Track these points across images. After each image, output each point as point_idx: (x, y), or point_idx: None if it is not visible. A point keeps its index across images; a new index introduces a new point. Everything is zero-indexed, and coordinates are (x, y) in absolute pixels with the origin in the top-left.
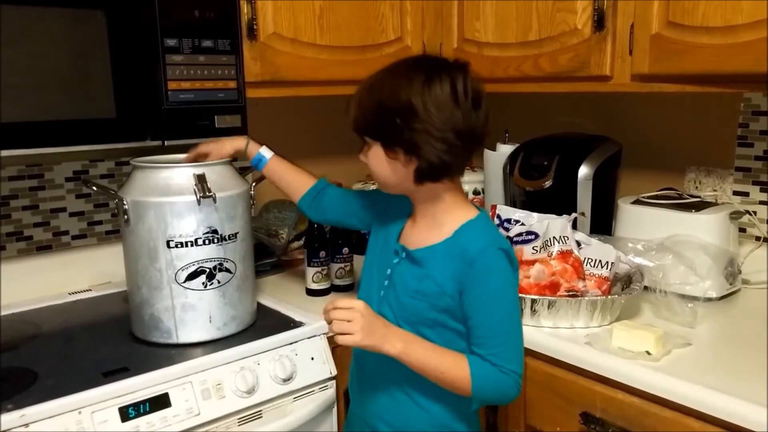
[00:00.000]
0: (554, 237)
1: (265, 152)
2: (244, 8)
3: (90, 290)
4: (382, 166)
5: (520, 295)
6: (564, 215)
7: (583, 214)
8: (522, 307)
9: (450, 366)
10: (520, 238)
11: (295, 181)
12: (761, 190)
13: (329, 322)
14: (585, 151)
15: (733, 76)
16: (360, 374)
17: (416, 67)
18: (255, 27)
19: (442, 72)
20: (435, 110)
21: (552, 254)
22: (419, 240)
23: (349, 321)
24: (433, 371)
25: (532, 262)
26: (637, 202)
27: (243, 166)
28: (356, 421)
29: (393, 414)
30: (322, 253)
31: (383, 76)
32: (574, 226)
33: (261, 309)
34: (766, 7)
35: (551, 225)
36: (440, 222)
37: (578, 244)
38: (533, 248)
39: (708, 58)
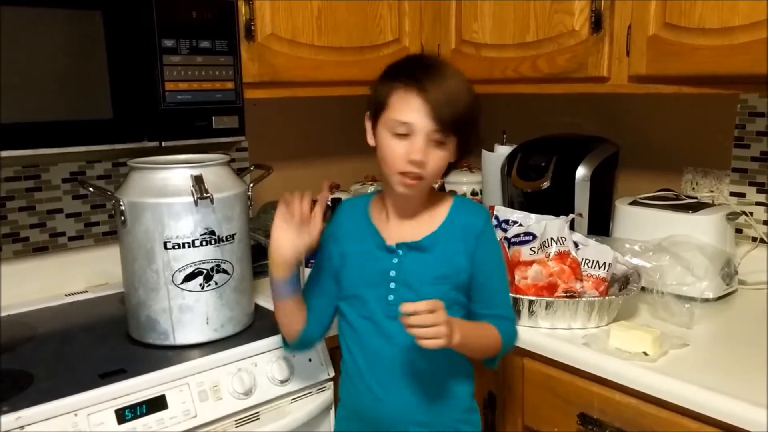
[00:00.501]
0: (552, 238)
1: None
2: (242, 9)
3: (87, 292)
4: (445, 163)
5: (518, 295)
6: (561, 216)
7: (580, 215)
8: (519, 308)
9: (487, 334)
10: (517, 239)
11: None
12: (758, 191)
13: (409, 326)
14: (583, 152)
15: (730, 77)
16: (377, 376)
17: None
18: (253, 28)
19: None
20: None
21: (549, 255)
22: (415, 231)
23: (433, 325)
24: (478, 345)
25: (530, 263)
26: (634, 203)
27: (241, 167)
28: (369, 424)
29: (424, 411)
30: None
31: (457, 74)
32: (572, 227)
33: (258, 310)
34: (763, 9)
35: (549, 226)
36: (428, 209)
37: (576, 245)
38: (531, 249)
39: (705, 59)
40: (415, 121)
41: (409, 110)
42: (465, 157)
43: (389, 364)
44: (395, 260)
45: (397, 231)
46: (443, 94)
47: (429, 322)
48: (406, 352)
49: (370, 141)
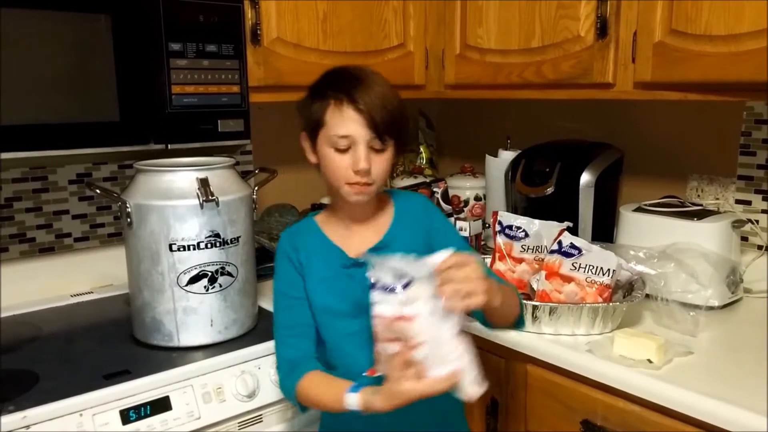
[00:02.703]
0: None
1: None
2: (248, 13)
3: (92, 292)
4: (389, 166)
5: (523, 301)
6: (554, 222)
7: (569, 226)
8: (522, 314)
9: (511, 288)
10: (511, 232)
11: None
12: (763, 199)
13: (444, 284)
14: (587, 157)
15: (735, 84)
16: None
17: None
18: (259, 32)
19: None
20: None
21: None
22: (374, 236)
23: (469, 280)
24: (509, 303)
25: (519, 260)
26: (639, 209)
27: (246, 171)
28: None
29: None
30: None
31: (381, 79)
32: (575, 234)
33: (262, 313)
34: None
35: (542, 229)
36: (379, 210)
37: (579, 250)
38: (522, 246)
39: (711, 66)
40: (354, 132)
41: (346, 123)
42: (401, 155)
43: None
44: (367, 269)
45: (359, 241)
46: (375, 102)
47: (464, 276)
48: None
49: (311, 159)
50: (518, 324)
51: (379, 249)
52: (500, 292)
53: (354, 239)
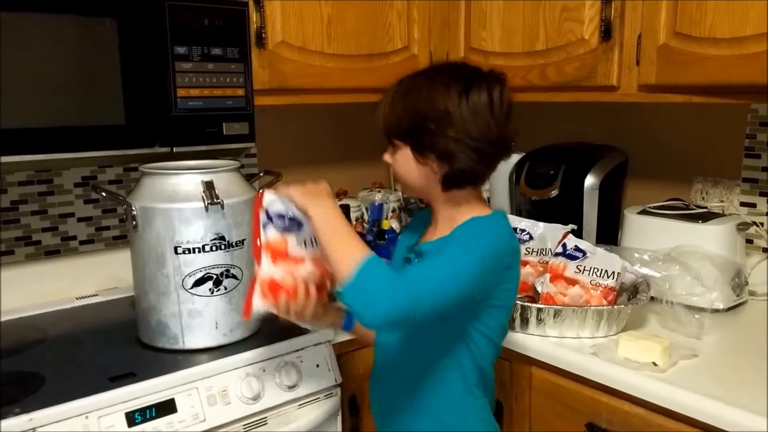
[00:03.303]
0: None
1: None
2: (253, 17)
3: (97, 295)
4: (410, 169)
5: (526, 304)
6: (558, 224)
7: (573, 229)
8: (527, 316)
9: (349, 244)
10: (516, 235)
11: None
12: None
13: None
14: (591, 160)
15: (740, 87)
16: (372, 376)
17: (455, 74)
18: (263, 35)
19: (481, 82)
20: (471, 119)
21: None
22: (427, 237)
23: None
24: (331, 239)
25: (524, 263)
26: (643, 212)
27: (250, 173)
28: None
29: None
30: None
31: (420, 80)
32: (579, 236)
33: (267, 315)
34: None
35: (547, 232)
36: (447, 219)
37: (584, 253)
38: (526, 249)
39: (715, 69)
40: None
41: None
42: (428, 157)
43: (379, 367)
44: (412, 262)
45: (427, 238)
46: (382, 105)
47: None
48: (391, 354)
49: None
50: (342, 295)
51: (417, 253)
52: (324, 218)
53: (425, 237)
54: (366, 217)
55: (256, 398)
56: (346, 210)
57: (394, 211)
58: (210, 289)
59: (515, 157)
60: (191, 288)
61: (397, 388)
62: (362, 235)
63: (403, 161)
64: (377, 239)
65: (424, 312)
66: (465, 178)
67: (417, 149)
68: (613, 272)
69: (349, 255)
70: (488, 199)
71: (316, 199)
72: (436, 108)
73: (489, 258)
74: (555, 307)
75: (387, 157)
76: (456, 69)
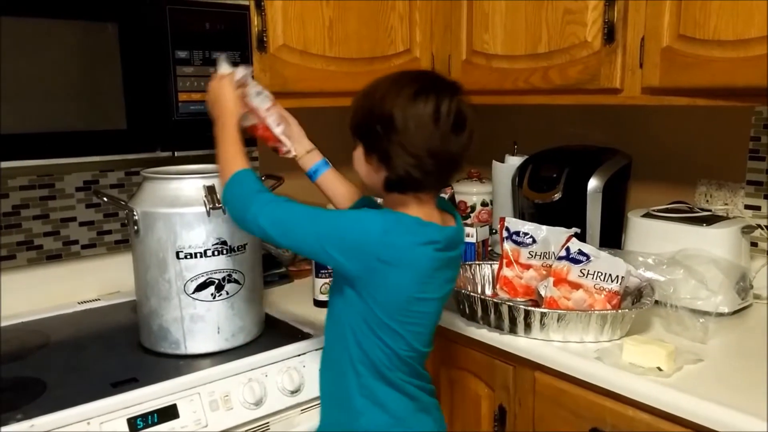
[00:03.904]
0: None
1: (324, 164)
2: (255, 20)
3: (99, 300)
4: (361, 167)
5: (530, 308)
6: (562, 228)
7: (577, 232)
8: (530, 321)
9: (230, 157)
10: (518, 238)
11: (341, 193)
12: None
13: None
14: (595, 163)
15: (744, 89)
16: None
17: (410, 80)
18: (265, 39)
19: (431, 91)
20: (413, 126)
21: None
22: None
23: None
24: (219, 154)
25: (527, 267)
26: (647, 215)
27: None
28: None
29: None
30: None
31: (381, 82)
32: (583, 240)
33: (269, 320)
34: None
35: (550, 236)
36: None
37: (587, 257)
38: (530, 252)
39: (719, 71)
40: None
41: None
42: (375, 156)
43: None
44: None
45: None
46: (355, 96)
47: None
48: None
49: None
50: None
51: None
52: (222, 130)
53: None
54: None
55: (258, 403)
56: None
57: None
58: (212, 294)
59: (518, 160)
60: (193, 293)
61: (321, 369)
62: None
63: (357, 159)
64: None
65: (259, 233)
66: (402, 184)
67: (366, 149)
68: (617, 276)
69: (230, 165)
70: (490, 202)
71: (221, 109)
72: (384, 111)
73: (348, 237)
74: (559, 311)
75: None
76: (417, 76)
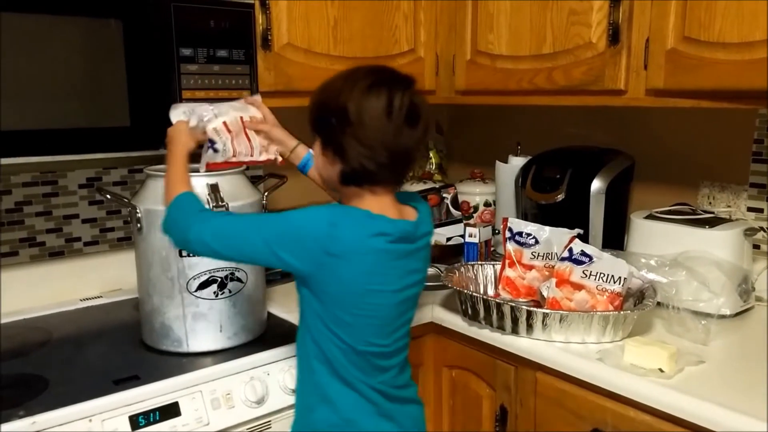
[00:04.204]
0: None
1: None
2: (259, 19)
3: (101, 297)
4: (318, 161)
5: (533, 309)
6: (565, 229)
7: (580, 233)
8: (532, 322)
9: (171, 184)
10: (521, 239)
11: None
12: None
13: None
14: (598, 164)
15: (749, 92)
16: None
17: (364, 75)
18: (269, 37)
19: (383, 84)
20: (367, 119)
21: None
22: None
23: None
24: (165, 181)
25: (529, 267)
26: (650, 216)
27: (255, 175)
28: None
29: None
30: None
31: (337, 77)
32: (585, 241)
33: (271, 319)
34: None
35: (553, 236)
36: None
37: (590, 258)
38: (532, 253)
39: (724, 73)
40: None
41: None
42: (330, 150)
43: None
44: None
45: None
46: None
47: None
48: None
49: None
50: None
51: None
52: (171, 157)
53: None
54: None
55: (260, 402)
56: None
57: None
58: (214, 292)
59: (521, 161)
60: (196, 291)
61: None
62: None
63: (315, 153)
64: None
65: (204, 250)
66: (357, 177)
67: (322, 142)
68: (620, 277)
69: (170, 192)
70: (493, 202)
71: (172, 143)
72: (339, 105)
73: (295, 236)
74: (561, 312)
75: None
76: (371, 71)
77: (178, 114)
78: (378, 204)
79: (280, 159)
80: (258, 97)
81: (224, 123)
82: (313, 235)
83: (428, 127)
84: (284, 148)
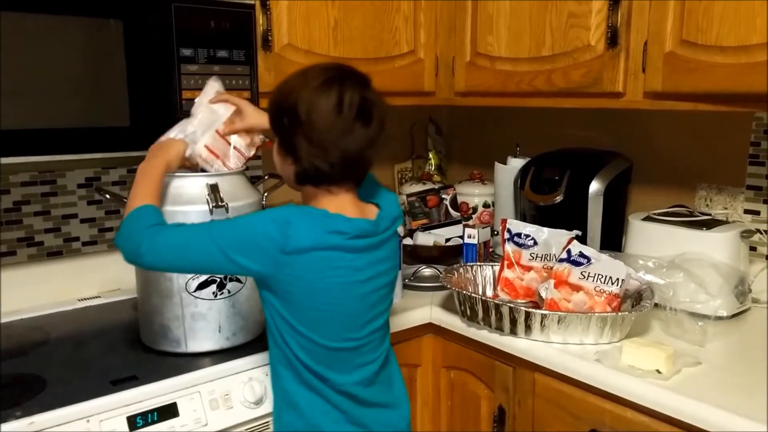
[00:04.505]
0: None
1: None
2: (260, 19)
3: (99, 297)
4: (276, 160)
5: (531, 310)
6: (563, 230)
7: (578, 235)
8: (531, 322)
9: (136, 195)
10: (520, 240)
11: None
12: None
13: None
14: (596, 166)
15: (746, 95)
16: None
17: (317, 73)
18: (270, 38)
19: (335, 82)
20: (316, 118)
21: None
22: None
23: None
24: (134, 187)
25: (528, 269)
26: (647, 218)
27: (255, 176)
28: None
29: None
30: None
31: (293, 74)
32: (584, 242)
33: None
34: None
35: (551, 238)
36: (299, 201)
37: (588, 259)
38: (531, 254)
39: (721, 77)
40: None
41: None
42: (283, 150)
43: None
44: None
45: None
46: None
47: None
48: None
49: None
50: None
51: None
52: (142, 169)
53: None
54: None
55: (258, 402)
56: None
57: None
58: (213, 293)
59: (520, 162)
60: (194, 291)
61: None
62: None
63: (274, 152)
64: None
65: (157, 264)
66: (310, 177)
67: (278, 142)
68: (618, 279)
69: (134, 202)
70: (492, 203)
71: (154, 154)
72: (290, 103)
73: (249, 238)
74: (559, 313)
75: None
76: (325, 69)
77: (174, 133)
78: (336, 203)
79: (267, 140)
80: (218, 86)
81: (206, 147)
82: (267, 235)
83: (383, 126)
84: (266, 129)
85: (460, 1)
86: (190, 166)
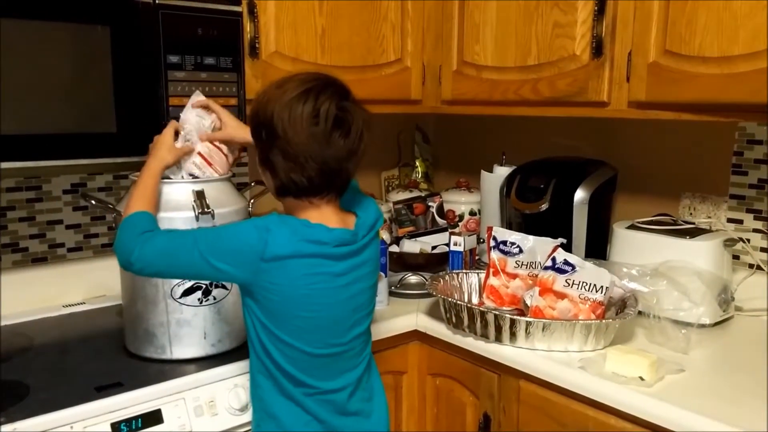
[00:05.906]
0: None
1: None
2: (247, 27)
3: (84, 303)
4: (260, 172)
5: (516, 317)
6: (548, 238)
7: (563, 243)
8: (515, 330)
9: (133, 197)
10: (505, 248)
11: None
12: (755, 218)
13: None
14: (581, 175)
15: (729, 105)
16: None
17: (295, 84)
18: (257, 45)
19: (310, 93)
20: (291, 133)
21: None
22: None
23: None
24: (131, 193)
25: (513, 276)
26: (632, 227)
27: (241, 182)
28: None
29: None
30: None
31: (271, 86)
32: (569, 250)
33: None
34: (763, 39)
35: (536, 246)
36: (282, 210)
37: (573, 267)
38: (516, 262)
39: (704, 87)
40: None
41: None
42: (261, 160)
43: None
44: None
45: None
46: None
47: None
48: None
49: None
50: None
51: None
52: (142, 174)
53: None
54: None
55: (243, 409)
56: None
57: (384, 222)
58: (199, 299)
59: (506, 171)
60: (180, 297)
61: None
62: None
63: (257, 164)
64: None
65: (147, 271)
66: (288, 189)
67: (258, 155)
68: (602, 286)
69: (130, 207)
70: (478, 211)
71: (151, 155)
72: (267, 115)
73: (230, 245)
74: (544, 320)
75: None
76: (303, 79)
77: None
78: (317, 215)
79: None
80: (200, 97)
81: (200, 154)
82: (247, 242)
83: (363, 136)
84: (246, 140)
85: (447, 10)
86: (183, 156)
